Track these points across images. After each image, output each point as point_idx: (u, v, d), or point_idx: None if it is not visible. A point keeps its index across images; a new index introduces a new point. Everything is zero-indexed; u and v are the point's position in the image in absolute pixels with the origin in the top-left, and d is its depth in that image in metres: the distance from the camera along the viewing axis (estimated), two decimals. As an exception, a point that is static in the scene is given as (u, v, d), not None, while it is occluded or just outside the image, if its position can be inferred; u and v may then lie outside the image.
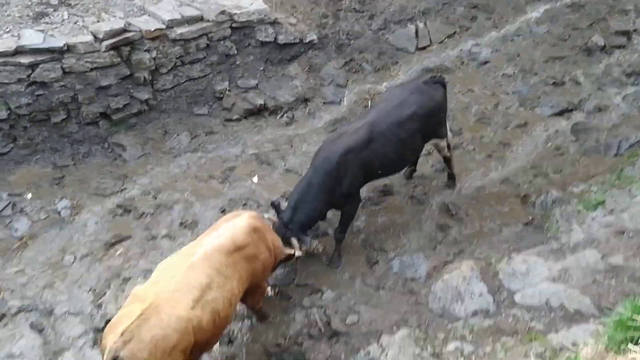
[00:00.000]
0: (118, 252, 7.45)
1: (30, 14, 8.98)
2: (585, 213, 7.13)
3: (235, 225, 5.83)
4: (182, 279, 5.19)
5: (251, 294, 6.11)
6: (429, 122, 7.46)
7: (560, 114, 9.31)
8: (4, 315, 6.73)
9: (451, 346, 5.49)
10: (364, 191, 7.83)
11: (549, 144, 8.81)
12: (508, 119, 9.28)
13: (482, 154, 8.74)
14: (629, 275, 5.86)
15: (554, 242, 6.67)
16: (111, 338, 4.82)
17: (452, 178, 8.23)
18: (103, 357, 4.85)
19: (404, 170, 8.02)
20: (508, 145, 8.85)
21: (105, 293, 6.95)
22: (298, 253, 6.75)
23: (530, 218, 7.60)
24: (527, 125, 9.15)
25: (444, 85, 7.84)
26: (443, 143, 7.91)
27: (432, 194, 8.16)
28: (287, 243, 6.69)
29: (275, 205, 6.98)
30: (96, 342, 6.43)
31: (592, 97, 9.50)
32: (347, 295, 6.93)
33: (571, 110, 9.34)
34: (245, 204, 8.03)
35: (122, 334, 4.77)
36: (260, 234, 6.00)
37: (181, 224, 7.80)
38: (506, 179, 8.28)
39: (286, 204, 6.97)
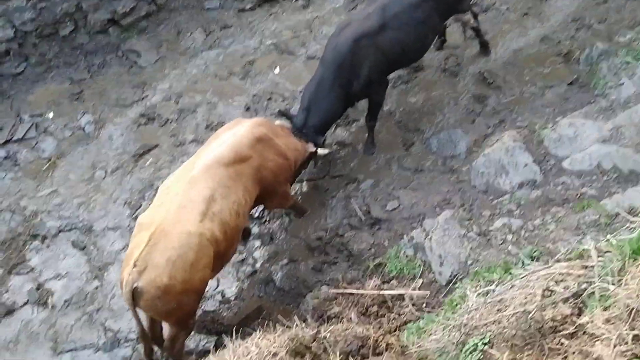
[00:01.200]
0: (148, 162, 7.30)
1: None
2: (634, 64, 6.54)
3: (235, 135, 5.48)
4: (185, 196, 4.93)
5: (270, 200, 5.90)
6: None
7: (601, -44, 8.42)
8: (45, 237, 6.76)
9: (498, 223, 5.24)
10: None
11: (591, -9, 8.03)
12: (545, -30, 8.45)
13: (517, 13, 8.03)
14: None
15: (602, 100, 6.17)
16: (126, 271, 4.66)
17: (484, 46, 7.62)
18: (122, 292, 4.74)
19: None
20: (545, -1, 8.11)
21: (140, 205, 6.87)
22: (322, 151, 6.42)
23: (574, 76, 7.05)
24: (566, -27, 8.33)
25: None
26: (467, 16, 7.25)
27: (466, 63, 7.61)
28: None
29: (283, 112, 6.51)
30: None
31: None
32: (384, 181, 6.68)
33: (612, -49, 8.42)
34: (269, 99, 7.69)
35: (134, 265, 4.61)
36: (266, 142, 5.65)
37: (207, 126, 7.53)
38: (546, 36, 7.64)
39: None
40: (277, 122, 6.44)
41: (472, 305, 3.12)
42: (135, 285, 4.62)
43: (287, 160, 5.84)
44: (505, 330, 2.75)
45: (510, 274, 3.78)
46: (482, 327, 2.88)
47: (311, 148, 6.29)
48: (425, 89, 7.46)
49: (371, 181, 6.73)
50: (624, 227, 3.25)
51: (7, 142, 7.61)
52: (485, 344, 2.84)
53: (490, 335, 2.82)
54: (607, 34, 7.35)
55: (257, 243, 6.52)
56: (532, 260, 4.13)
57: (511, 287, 2.98)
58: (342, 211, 6.51)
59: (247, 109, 7.62)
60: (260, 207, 6.60)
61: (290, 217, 6.62)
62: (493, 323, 2.85)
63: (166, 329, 5.33)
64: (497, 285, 3.64)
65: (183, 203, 4.91)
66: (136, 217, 6.69)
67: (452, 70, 7.57)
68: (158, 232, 4.71)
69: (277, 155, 5.71)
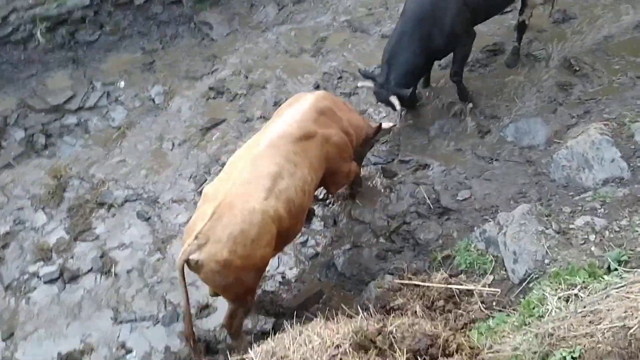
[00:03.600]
0: (214, 137, 7.24)
1: None
2: None
3: (299, 110, 5.31)
4: (251, 171, 4.81)
5: (332, 181, 5.65)
6: None
7: None
8: (111, 206, 6.79)
9: (580, 221, 4.87)
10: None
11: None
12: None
13: (611, -4, 7.52)
14: None
15: (702, 94, 5.67)
16: (187, 242, 4.58)
17: (515, 53, 7.15)
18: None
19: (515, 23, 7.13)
20: (643, -18, 7.54)
21: (205, 179, 6.81)
22: (386, 125, 6.19)
23: (670, 69, 6.53)
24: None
25: None
26: None
27: (551, 48, 7.17)
28: (389, 104, 6.30)
29: (364, 73, 6.43)
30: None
31: None
32: (456, 169, 6.37)
33: None
34: (340, 78, 7.48)
35: (196, 237, 4.50)
36: (330, 115, 5.43)
37: (275, 103, 7.38)
38: (640, 23, 7.12)
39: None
40: (360, 83, 6.55)
41: (557, 312, 2.85)
42: (194, 257, 4.54)
43: (349, 136, 5.58)
44: (599, 346, 2.48)
45: (596, 279, 3.47)
46: (571, 339, 2.61)
47: (375, 124, 6.11)
48: (505, 74, 7.08)
49: (442, 168, 6.43)
50: None
51: (79, 109, 7.69)
52: (574, 358, 2.57)
53: (581, 349, 2.56)
54: None
55: (320, 226, 6.37)
56: (620, 264, 3.78)
57: (606, 297, 2.70)
58: (409, 198, 6.24)
59: (317, 87, 7.43)
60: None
61: (355, 202, 6.43)
62: (584, 336, 2.57)
63: (226, 305, 5.24)
64: (580, 291, 3.35)
65: (249, 178, 4.79)
66: (201, 191, 6.71)
67: (535, 55, 7.16)
68: (222, 206, 4.62)
69: (341, 129, 5.48)
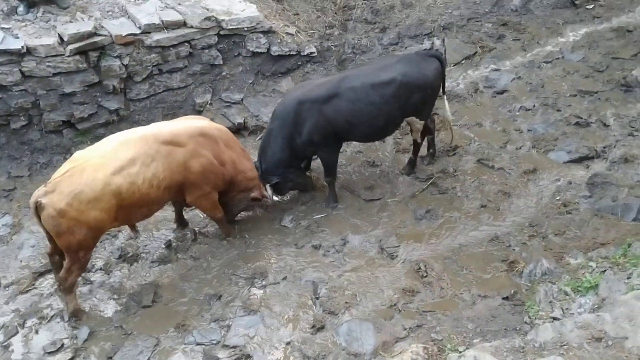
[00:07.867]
0: (44, 284, 6.79)
1: (5, 9, 8.43)
2: (572, 297, 5.94)
3: (183, 123, 6.53)
4: (113, 151, 5.97)
5: (191, 193, 6.57)
6: (411, 95, 7.21)
7: (578, 161, 7.97)
8: None
9: None
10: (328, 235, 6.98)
11: (557, 197, 7.51)
12: (514, 162, 8.04)
13: (475, 203, 7.56)
14: (596, 400, 4.71)
15: (517, 338, 5.47)
16: (39, 188, 5.78)
17: (411, 164, 8.03)
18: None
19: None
20: (508, 194, 7.63)
21: (17, 333, 6.31)
22: (270, 193, 7.37)
23: (512, 291, 6.41)
24: (535, 172, 7.88)
25: (440, 60, 7.46)
26: (419, 125, 7.63)
27: (406, 247, 7.09)
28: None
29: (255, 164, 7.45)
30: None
31: (620, 143, 8.09)
32: (276, 364, 6.03)
33: (592, 158, 7.98)
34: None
35: (45, 185, 5.75)
36: (210, 140, 6.50)
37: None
38: (496, 237, 7.08)
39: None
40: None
41: None
42: (40, 200, 5.71)
43: (222, 167, 6.64)
44: None
45: None
46: None
47: (258, 192, 7.22)
48: (356, 267, 6.92)
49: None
50: None
51: None
52: None
53: None
54: (560, 250, 6.75)
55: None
56: None
57: None
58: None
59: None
60: None
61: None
62: None
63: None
64: None
65: (108, 155, 5.94)
66: (7, 346, 6.23)
67: (389, 252, 7.05)
68: (77, 168, 5.80)
69: (214, 156, 6.51)
